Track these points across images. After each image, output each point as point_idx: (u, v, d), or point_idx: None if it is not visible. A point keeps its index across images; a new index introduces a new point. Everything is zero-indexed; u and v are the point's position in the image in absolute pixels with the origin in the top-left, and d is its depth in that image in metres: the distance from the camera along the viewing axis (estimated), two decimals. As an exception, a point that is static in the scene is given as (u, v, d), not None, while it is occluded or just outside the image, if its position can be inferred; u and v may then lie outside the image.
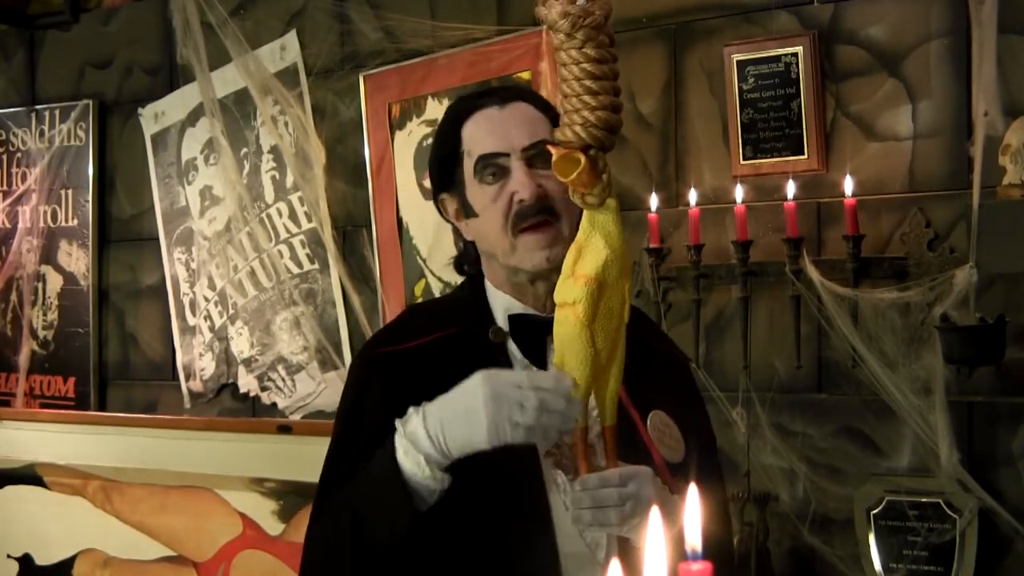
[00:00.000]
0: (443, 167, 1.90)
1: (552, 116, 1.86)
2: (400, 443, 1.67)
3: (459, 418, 1.64)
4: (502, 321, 1.87)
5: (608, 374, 1.72)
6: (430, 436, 1.65)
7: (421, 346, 1.85)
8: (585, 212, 1.70)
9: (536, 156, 1.81)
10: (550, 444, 1.72)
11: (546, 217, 1.80)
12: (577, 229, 1.82)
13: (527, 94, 1.92)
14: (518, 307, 1.86)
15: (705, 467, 1.90)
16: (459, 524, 1.76)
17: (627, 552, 1.76)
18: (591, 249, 1.69)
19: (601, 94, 1.64)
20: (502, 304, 1.87)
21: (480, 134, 1.85)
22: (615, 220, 1.69)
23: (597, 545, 1.80)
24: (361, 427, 1.82)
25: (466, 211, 1.88)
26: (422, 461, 1.65)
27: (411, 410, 1.69)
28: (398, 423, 1.69)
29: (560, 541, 1.77)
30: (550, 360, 1.84)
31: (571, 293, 1.68)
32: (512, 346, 1.85)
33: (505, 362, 1.84)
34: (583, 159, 1.64)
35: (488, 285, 1.90)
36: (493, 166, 1.82)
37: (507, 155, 1.82)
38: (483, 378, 1.65)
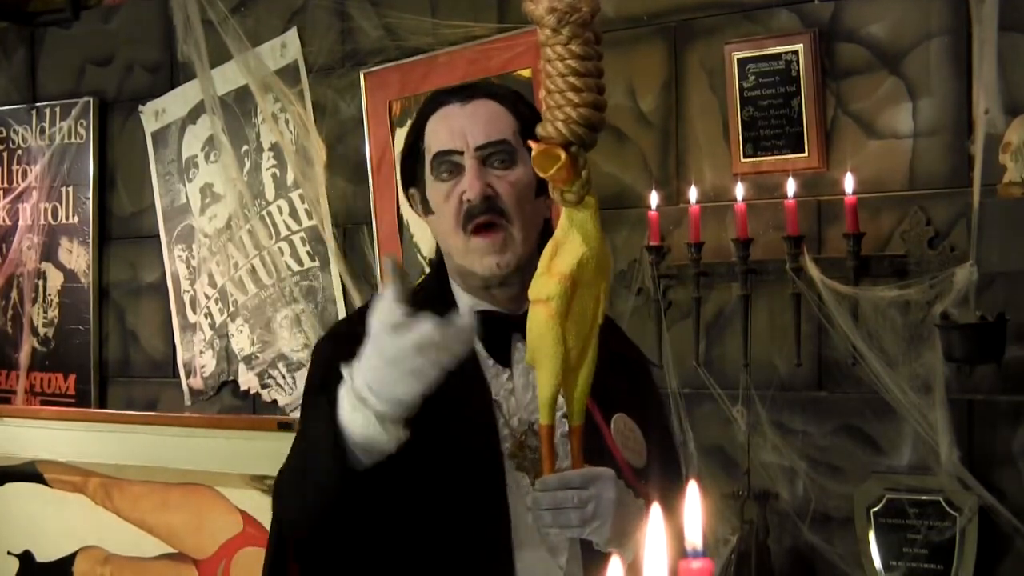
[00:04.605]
0: (407, 162, 1.90)
1: (521, 114, 1.85)
2: (347, 399, 1.62)
3: (382, 374, 1.59)
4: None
5: (578, 374, 1.71)
6: (372, 391, 1.60)
7: None
8: (564, 210, 1.70)
9: (492, 155, 1.81)
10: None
11: (494, 217, 1.79)
12: (532, 234, 1.83)
13: (497, 92, 1.90)
14: (483, 304, 1.85)
15: (668, 471, 1.90)
16: (416, 525, 1.75)
17: (590, 555, 1.75)
18: (568, 246, 1.68)
19: (584, 91, 1.64)
20: (467, 301, 1.87)
21: (438, 131, 1.84)
22: (593, 218, 1.68)
23: (558, 549, 1.78)
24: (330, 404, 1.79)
25: (425, 208, 1.88)
26: (372, 416, 1.60)
27: (346, 371, 1.64)
28: (344, 373, 1.64)
29: (517, 545, 1.76)
30: (515, 357, 1.84)
31: (545, 289, 1.67)
32: (477, 343, 1.82)
33: (470, 357, 1.80)
34: (563, 155, 1.63)
35: (452, 281, 1.89)
36: (447, 163, 1.82)
37: (460, 153, 1.81)
38: (385, 330, 1.59)
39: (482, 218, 1.79)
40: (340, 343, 1.81)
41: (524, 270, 1.83)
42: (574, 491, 1.67)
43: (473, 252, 1.80)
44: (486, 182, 1.80)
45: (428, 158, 1.85)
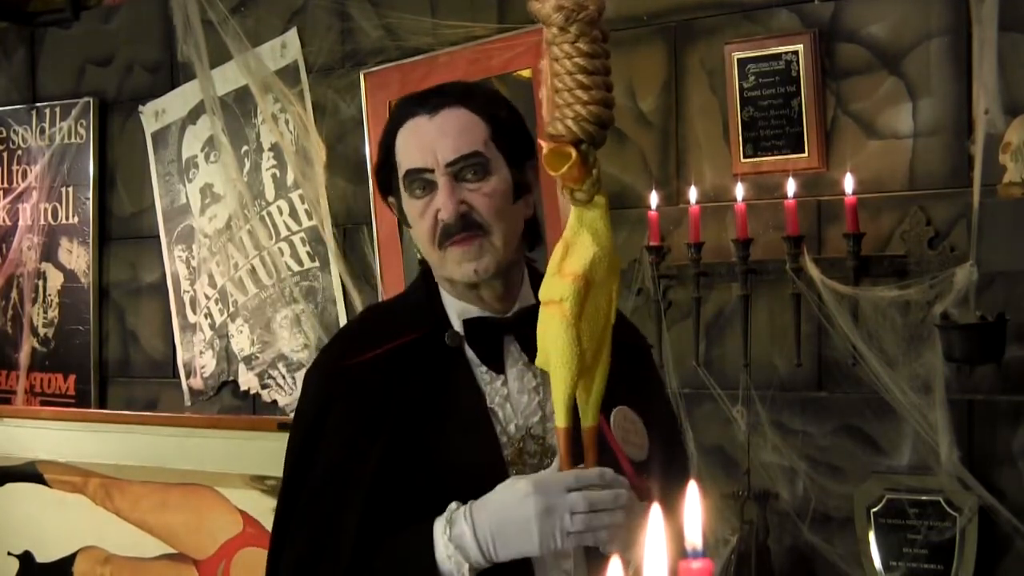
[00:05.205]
0: (381, 173, 1.87)
1: (495, 117, 1.81)
2: (445, 547, 1.65)
3: (510, 530, 1.63)
4: (457, 324, 1.84)
5: (593, 374, 1.70)
6: (480, 545, 1.64)
7: (383, 355, 1.80)
8: (573, 209, 1.68)
9: (464, 169, 1.77)
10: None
11: (470, 233, 1.76)
12: (513, 238, 1.81)
13: (467, 97, 1.83)
14: (472, 310, 1.83)
15: (671, 462, 1.87)
16: None
17: (595, 559, 1.75)
18: (579, 246, 1.67)
19: (593, 89, 1.63)
20: (455, 307, 1.85)
21: (408, 147, 1.80)
22: (604, 217, 1.67)
23: (564, 555, 1.77)
24: (321, 448, 1.80)
25: (403, 217, 1.86)
26: (466, 569, 1.64)
27: (458, 513, 1.67)
28: (440, 524, 1.67)
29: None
30: (508, 362, 1.83)
31: (557, 290, 1.66)
32: (468, 351, 1.82)
33: (463, 367, 1.81)
34: (574, 153, 1.63)
35: (440, 287, 1.87)
36: (420, 180, 1.79)
37: (432, 171, 1.77)
38: (534, 488, 1.63)
39: (458, 236, 1.77)
40: (342, 380, 1.81)
41: (507, 272, 1.82)
42: (613, 491, 1.66)
43: (450, 262, 1.78)
44: (459, 199, 1.76)
45: (400, 174, 1.82)
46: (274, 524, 1.83)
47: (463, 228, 1.76)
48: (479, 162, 1.78)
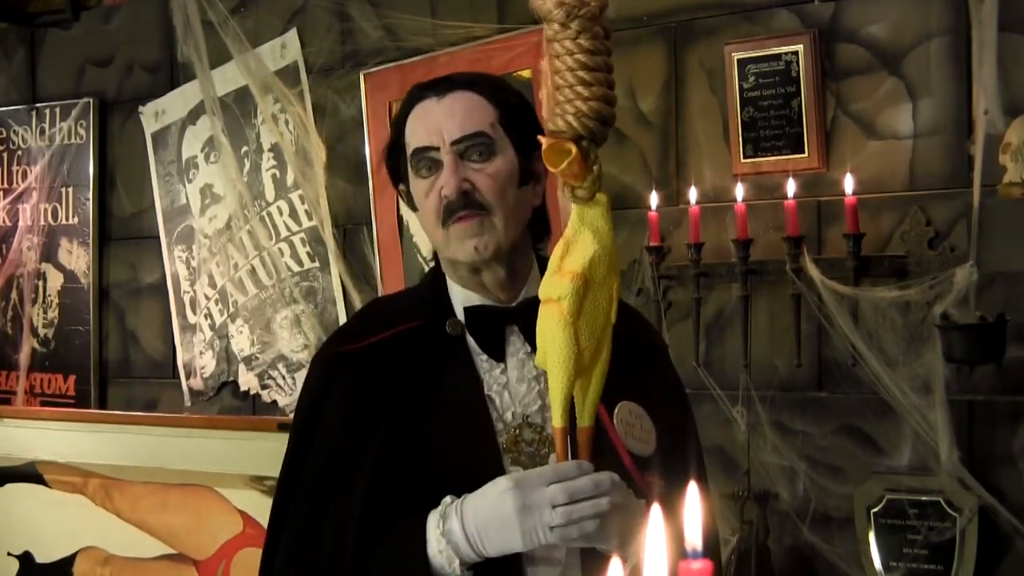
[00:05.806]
0: (391, 159, 1.90)
1: (502, 102, 1.83)
2: (437, 541, 1.67)
3: (493, 526, 1.65)
4: (461, 313, 1.85)
5: (591, 374, 1.69)
6: (469, 540, 1.66)
7: (381, 342, 1.83)
8: (575, 207, 1.68)
9: (469, 148, 1.79)
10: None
11: (472, 212, 1.78)
12: (516, 223, 1.81)
13: (475, 82, 1.86)
14: (475, 299, 1.85)
15: (680, 458, 1.87)
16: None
17: (590, 559, 1.75)
18: (579, 244, 1.66)
19: (594, 85, 1.62)
20: (460, 296, 1.86)
21: (415, 127, 1.83)
22: (605, 215, 1.66)
23: (556, 548, 1.77)
24: (319, 431, 1.81)
25: (411, 203, 1.88)
26: (457, 564, 1.67)
27: (451, 508, 1.69)
28: (434, 517, 1.69)
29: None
30: (509, 350, 1.83)
31: (556, 289, 1.66)
32: (470, 339, 1.84)
33: (463, 355, 1.83)
34: (573, 149, 1.62)
35: (448, 277, 1.89)
36: (426, 160, 1.81)
37: (437, 149, 1.80)
38: (513, 484, 1.65)
39: (460, 213, 1.78)
40: (340, 365, 1.83)
41: (509, 256, 1.83)
42: (592, 477, 1.66)
43: (453, 240, 1.80)
44: (463, 177, 1.78)
45: (408, 154, 1.84)
46: (272, 508, 1.84)
47: (465, 206, 1.78)
48: (484, 142, 1.80)
